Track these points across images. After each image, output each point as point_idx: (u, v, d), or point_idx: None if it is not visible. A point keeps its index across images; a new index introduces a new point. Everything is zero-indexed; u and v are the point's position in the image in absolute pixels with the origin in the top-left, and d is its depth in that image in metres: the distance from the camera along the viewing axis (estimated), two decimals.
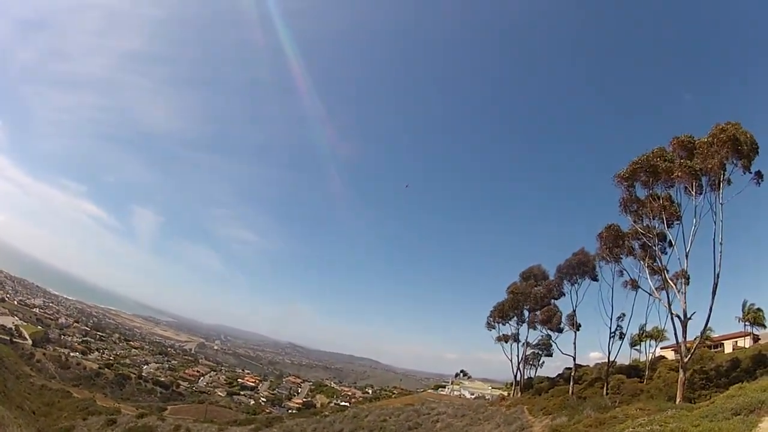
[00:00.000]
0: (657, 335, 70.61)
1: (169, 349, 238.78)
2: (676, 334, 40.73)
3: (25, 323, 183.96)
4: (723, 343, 72.67)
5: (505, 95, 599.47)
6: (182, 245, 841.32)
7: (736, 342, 71.48)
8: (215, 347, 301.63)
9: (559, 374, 74.37)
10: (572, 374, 64.04)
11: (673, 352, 66.35)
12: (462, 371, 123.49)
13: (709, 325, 42.47)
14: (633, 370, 64.32)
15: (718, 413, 18.79)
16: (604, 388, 55.60)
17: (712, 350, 68.56)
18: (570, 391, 59.78)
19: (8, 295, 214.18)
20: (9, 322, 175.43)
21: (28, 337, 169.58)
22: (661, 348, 76.68)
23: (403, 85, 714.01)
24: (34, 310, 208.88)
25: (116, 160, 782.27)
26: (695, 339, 43.06)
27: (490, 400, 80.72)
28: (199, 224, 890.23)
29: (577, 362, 66.25)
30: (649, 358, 71.30)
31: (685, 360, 39.67)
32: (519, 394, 74.24)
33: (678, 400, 37.32)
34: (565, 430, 33.08)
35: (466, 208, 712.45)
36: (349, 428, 62.51)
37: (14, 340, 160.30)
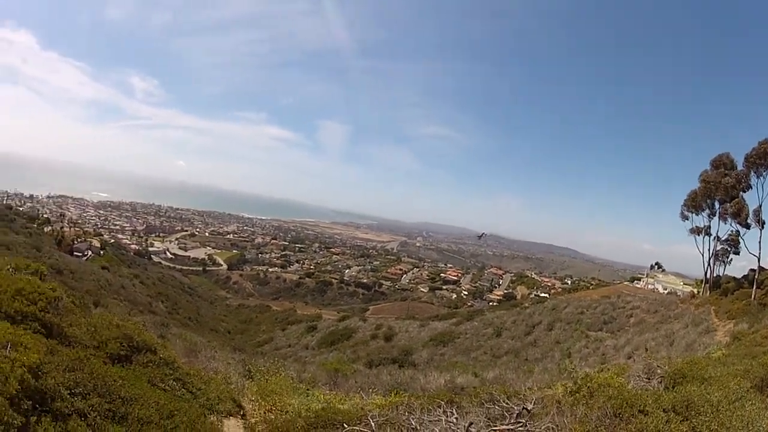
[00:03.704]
0: None
1: (370, 250, 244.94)
2: None
3: (219, 250, 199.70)
4: None
5: None
6: (374, 149, 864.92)
7: None
8: (417, 244, 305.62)
9: (743, 275, 65.37)
10: (756, 277, 57.54)
11: None
12: (656, 263, 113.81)
13: None
14: None
15: None
16: None
17: None
18: (752, 296, 53.87)
19: (198, 229, 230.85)
20: (201, 253, 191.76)
21: (222, 262, 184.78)
22: None
23: None
24: (228, 236, 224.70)
25: (290, 83, 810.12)
26: None
27: (680, 296, 74.14)
28: (390, 126, 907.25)
29: (761, 265, 60.11)
30: None
31: None
32: (708, 293, 67.60)
33: None
34: (744, 338, 31.19)
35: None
36: (547, 320, 63.92)
37: (207, 268, 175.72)
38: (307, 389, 17.97)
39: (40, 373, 7.39)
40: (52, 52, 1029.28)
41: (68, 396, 7.94)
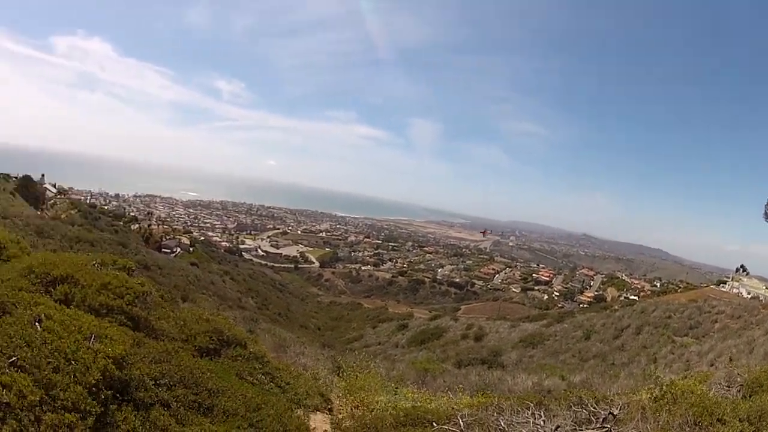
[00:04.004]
0: None
1: (463, 250, 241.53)
2: None
3: (311, 248, 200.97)
4: None
5: None
6: (465, 147, 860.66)
7: None
8: (510, 243, 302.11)
9: None
10: None
11: None
12: (741, 266, 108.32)
13: None
14: None
15: None
16: None
17: None
18: None
19: (290, 227, 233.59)
20: (293, 251, 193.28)
21: (314, 260, 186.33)
22: None
23: None
24: (321, 234, 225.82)
25: (379, 81, 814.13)
26: None
27: (762, 301, 70.89)
28: (480, 123, 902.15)
29: None
30: None
31: None
32: None
33: None
34: None
35: None
36: (636, 324, 62.24)
37: (299, 266, 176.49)
38: (396, 387, 17.98)
39: (124, 363, 7.57)
40: (130, 58, 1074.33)
41: (153, 386, 8.16)
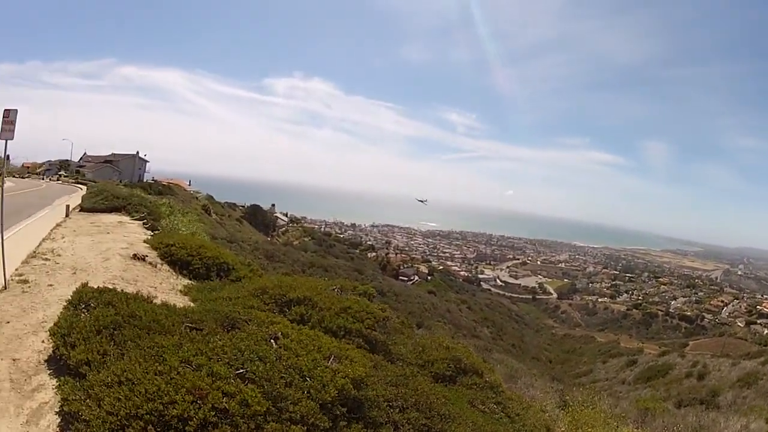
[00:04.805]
0: None
1: (696, 280, 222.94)
2: None
3: (550, 279, 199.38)
4: None
5: None
6: (699, 168, 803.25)
7: None
8: (738, 272, 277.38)
9: None
10: None
11: None
12: None
13: None
14: None
15: None
16: None
17: None
18: None
19: (530, 258, 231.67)
20: (531, 282, 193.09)
21: (552, 291, 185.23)
22: None
23: None
24: (560, 265, 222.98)
25: (605, 103, 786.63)
26: None
27: None
28: (706, 139, 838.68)
29: None
30: None
31: None
32: None
33: None
34: None
35: None
36: None
37: (537, 297, 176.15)
38: (616, 425, 17.21)
39: (362, 384, 7.87)
40: (356, 96, 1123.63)
41: (386, 407, 8.37)
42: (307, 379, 7.09)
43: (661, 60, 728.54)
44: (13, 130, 11.53)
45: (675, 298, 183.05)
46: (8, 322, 9.05)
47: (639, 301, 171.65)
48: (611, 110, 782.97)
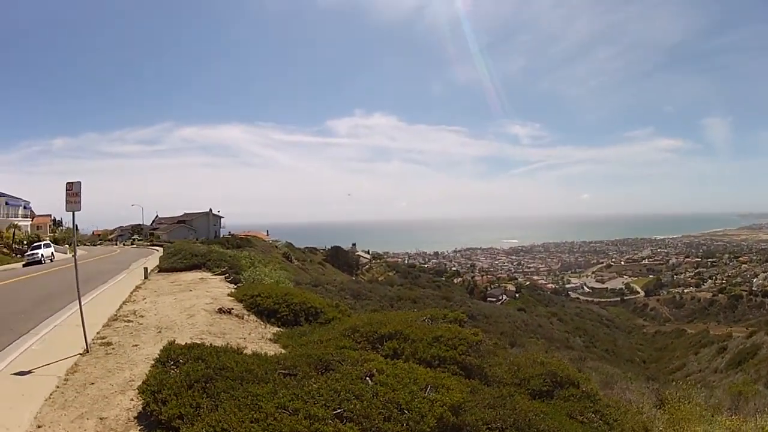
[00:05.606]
0: None
1: None
2: None
3: (635, 278, 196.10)
4: None
5: None
6: (762, 135, 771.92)
7: None
8: None
9: None
10: None
11: None
12: None
13: None
14: None
15: None
16: None
17: None
18: None
19: (613, 260, 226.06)
20: (618, 283, 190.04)
21: (639, 289, 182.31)
22: None
23: None
24: (643, 262, 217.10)
25: (662, 86, 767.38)
26: None
27: None
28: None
29: None
30: None
31: None
32: None
33: None
34: None
35: None
36: None
37: (625, 298, 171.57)
38: (711, 416, 16.69)
39: (460, 411, 7.89)
40: (419, 125, 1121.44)
41: (485, 430, 8.22)
42: (405, 411, 7.07)
43: (705, 32, 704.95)
44: (79, 202, 12.07)
45: (756, 275, 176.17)
46: (93, 384, 9.22)
47: (723, 285, 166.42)
48: (668, 93, 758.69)
